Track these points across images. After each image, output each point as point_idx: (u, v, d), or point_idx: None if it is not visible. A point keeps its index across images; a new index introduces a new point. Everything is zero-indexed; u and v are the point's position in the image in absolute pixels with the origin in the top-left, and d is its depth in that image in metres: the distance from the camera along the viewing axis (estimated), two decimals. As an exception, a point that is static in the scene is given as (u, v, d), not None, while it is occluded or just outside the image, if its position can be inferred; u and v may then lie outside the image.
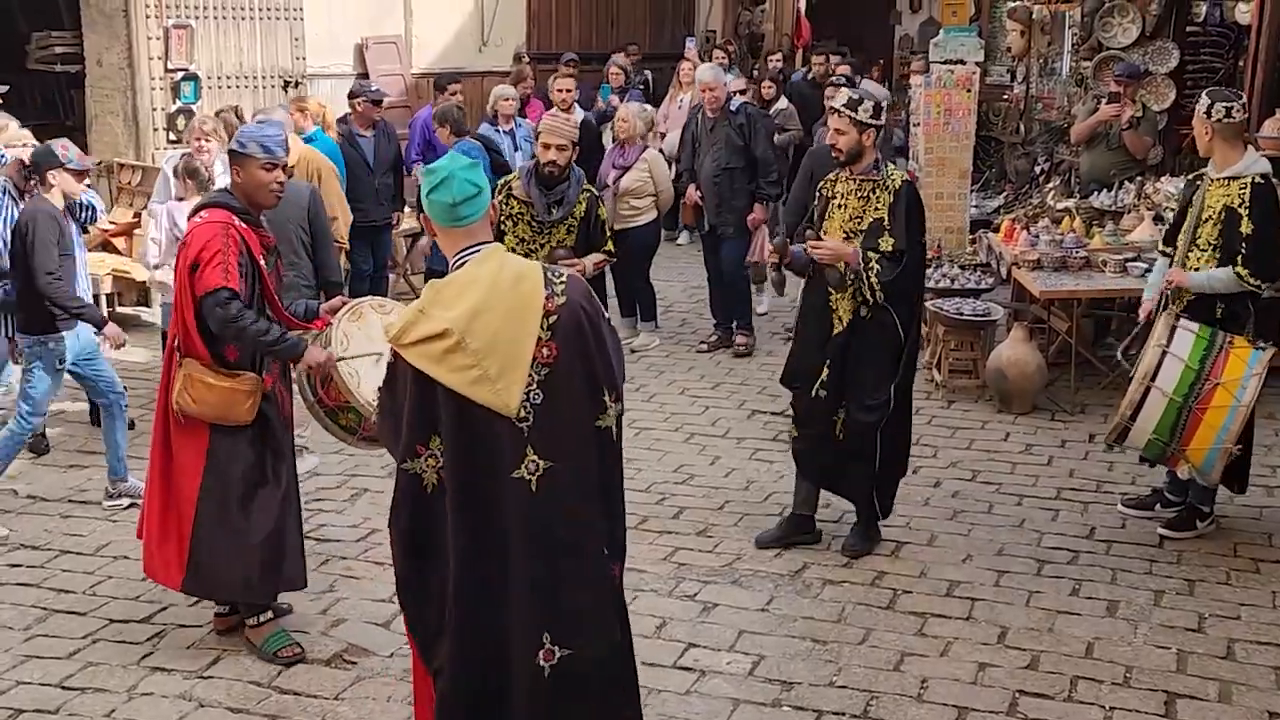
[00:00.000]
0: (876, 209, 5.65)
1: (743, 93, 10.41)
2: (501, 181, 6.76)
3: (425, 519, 3.47)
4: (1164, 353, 5.60)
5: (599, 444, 3.53)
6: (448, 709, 3.54)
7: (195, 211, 4.85)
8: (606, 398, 3.52)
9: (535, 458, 3.42)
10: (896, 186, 5.64)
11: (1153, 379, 5.59)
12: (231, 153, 4.84)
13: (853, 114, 5.59)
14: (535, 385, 3.41)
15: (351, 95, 9.54)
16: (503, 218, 6.53)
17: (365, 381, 4.66)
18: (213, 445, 4.81)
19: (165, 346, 5.02)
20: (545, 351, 3.42)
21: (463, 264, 3.47)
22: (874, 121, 5.62)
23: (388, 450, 3.74)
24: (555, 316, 3.44)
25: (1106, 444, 6.03)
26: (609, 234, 6.92)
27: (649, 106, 10.34)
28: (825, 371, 5.70)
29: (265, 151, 4.79)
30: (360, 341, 4.80)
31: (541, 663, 3.46)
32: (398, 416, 3.46)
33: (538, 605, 3.45)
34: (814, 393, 5.75)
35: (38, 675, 4.80)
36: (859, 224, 5.67)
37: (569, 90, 10.49)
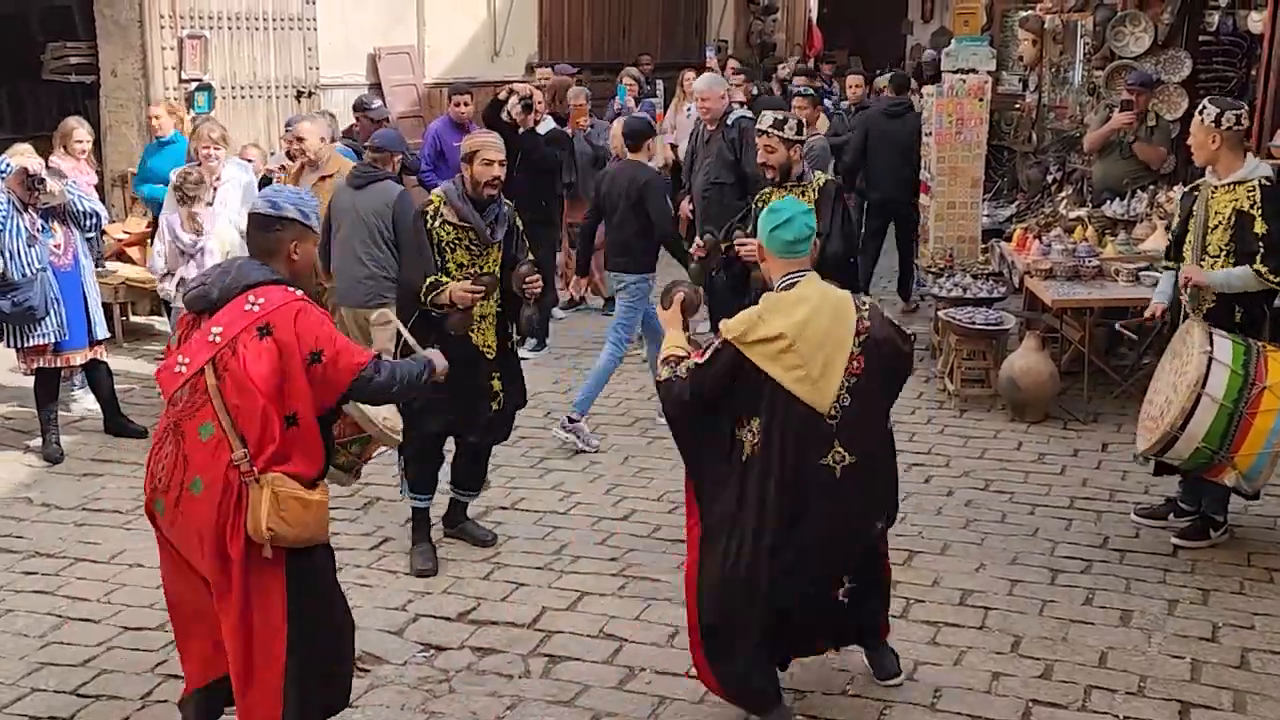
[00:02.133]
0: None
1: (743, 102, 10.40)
2: (428, 209, 5.91)
3: (737, 472, 4.29)
4: (1210, 359, 5.56)
5: (888, 443, 4.45)
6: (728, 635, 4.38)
7: (244, 289, 3.90)
8: (889, 404, 4.46)
9: (841, 450, 4.21)
10: (821, 184, 6.34)
11: (1203, 386, 5.54)
12: (290, 221, 4.00)
13: (780, 133, 6.27)
14: (845, 390, 4.21)
15: (355, 108, 9.56)
16: (439, 245, 5.80)
17: (372, 407, 4.41)
18: (292, 578, 3.91)
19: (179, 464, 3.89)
20: (855, 364, 4.23)
21: (793, 284, 4.30)
22: (799, 138, 6.34)
23: (672, 419, 4.52)
24: (865, 336, 4.26)
25: (1144, 456, 5.94)
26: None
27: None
28: None
29: (273, 208, 4.04)
30: None
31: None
32: (717, 399, 4.26)
33: (820, 563, 4.35)
34: None
35: (53, 682, 4.82)
36: None
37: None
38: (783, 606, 4.34)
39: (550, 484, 6.94)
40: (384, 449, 4.52)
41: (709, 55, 14.68)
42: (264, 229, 3.99)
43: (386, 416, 4.47)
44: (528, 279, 5.93)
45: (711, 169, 8.84)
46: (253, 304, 3.85)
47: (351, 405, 4.21)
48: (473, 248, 5.86)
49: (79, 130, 8.51)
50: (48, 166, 7.62)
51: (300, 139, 7.75)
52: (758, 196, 6.47)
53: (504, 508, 6.58)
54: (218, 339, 3.83)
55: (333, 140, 8.12)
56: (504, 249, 6.00)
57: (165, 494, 3.87)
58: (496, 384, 5.94)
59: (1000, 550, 5.98)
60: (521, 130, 9.22)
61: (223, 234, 7.50)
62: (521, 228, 6.17)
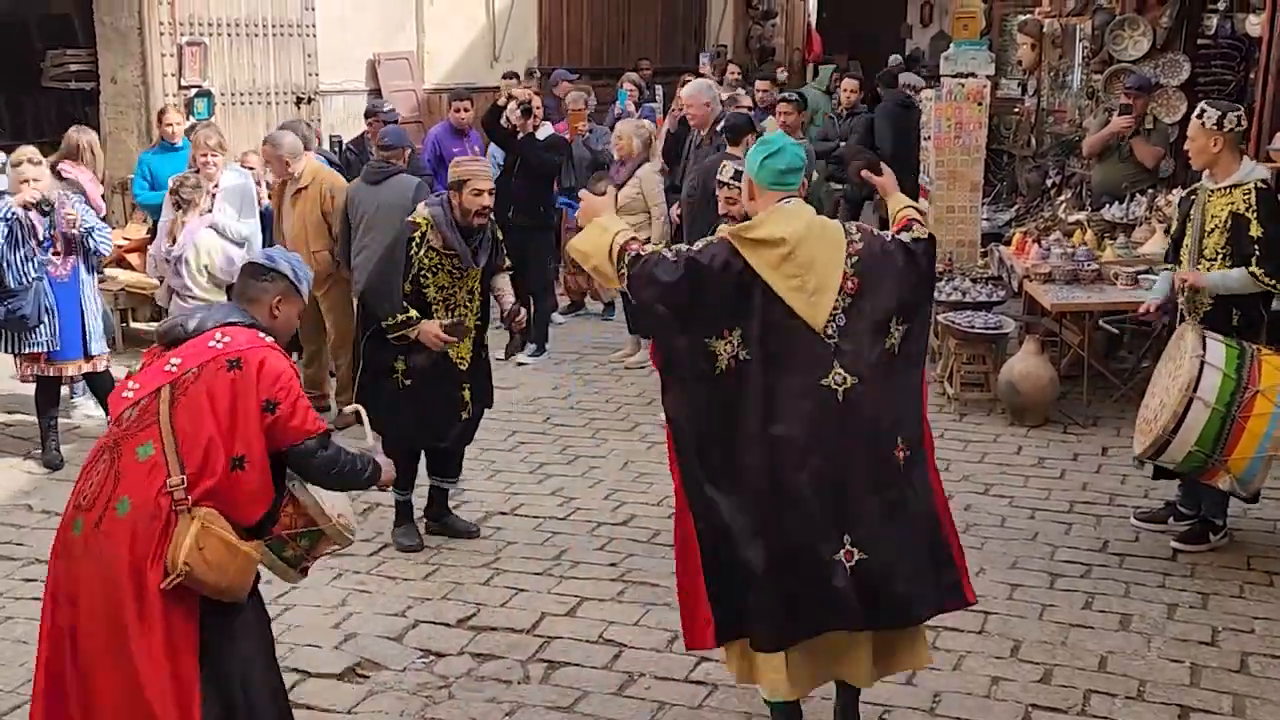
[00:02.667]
0: None
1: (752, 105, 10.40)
2: (415, 234, 5.85)
3: (707, 397, 3.99)
4: (1202, 362, 5.56)
5: (890, 363, 4.09)
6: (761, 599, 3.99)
7: (215, 327, 3.81)
8: (893, 323, 4.09)
9: (841, 371, 3.98)
10: None
11: (1194, 389, 5.54)
12: (281, 276, 3.97)
13: (739, 184, 5.90)
14: (840, 310, 4.01)
15: (367, 115, 9.60)
16: (420, 271, 5.81)
17: (326, 497, 4.01)
18: (207, 634, 3.67)
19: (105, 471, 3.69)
20: (849, 283, 4.03)
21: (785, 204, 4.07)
22: None
23: (646, 308, 4.05)
24: (857, 257, 4.05)
25: (1139, 460, 5.96)
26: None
27: (646, 122, 10.21)
28: None
29: (268, 259, 4.03)
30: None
31: (842, 561, 3.97)
32: (698, 297, 3.94)
33: (831, 507, 3.96)
34: None
35: (52, 689, 4.81)
36: None
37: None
38: (786, 543, 3.97)
39: (549, 489, 6.94)
40: (335, 547, 4.10)
41: (703, 61, 14.66)
42: (254, 276, 3.97)
43: (341, 514, 4.06)
44: (515, 319, 6.20)
45: (703, 175, 8.78)
46: (218, 341, 3.74)
47: (302, 489, 3.91)
48: (454, 271, 5.92)
49: (86, 139, 8.40)
50: (61, 177, 7.67)
51: (285, 163, 7.80)
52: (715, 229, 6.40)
53: (503, 513, 6.58)
54: (174, 369, 3.71)
55: (306, 148, 8.13)
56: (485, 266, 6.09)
57: (87, 512, 3.63)
58: (467, 394, 6.09)
59: (1000, 554, 5.98)
60: (520, 135, 9.23)
61: (206, 242, 7.49)
62: (500, 237, 6.20)
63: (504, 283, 6.34)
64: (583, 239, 4.21)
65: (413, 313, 5.80)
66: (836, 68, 14.96)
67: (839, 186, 10.52)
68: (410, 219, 5.93)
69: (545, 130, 9.54)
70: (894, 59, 16.48)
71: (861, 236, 4.13)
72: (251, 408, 3.67)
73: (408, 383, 5.96)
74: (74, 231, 7.09)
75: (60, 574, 3.72)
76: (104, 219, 7.80)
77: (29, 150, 7.38)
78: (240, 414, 3.66)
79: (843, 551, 3.97)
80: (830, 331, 4.00)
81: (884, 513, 4.02)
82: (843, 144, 10.72)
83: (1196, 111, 5.97)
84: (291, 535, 3.96)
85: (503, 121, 9.18)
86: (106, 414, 7.62)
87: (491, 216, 6.06)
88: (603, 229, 4.15)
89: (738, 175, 5.93)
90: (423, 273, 5.82)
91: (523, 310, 6.27)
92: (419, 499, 6.31)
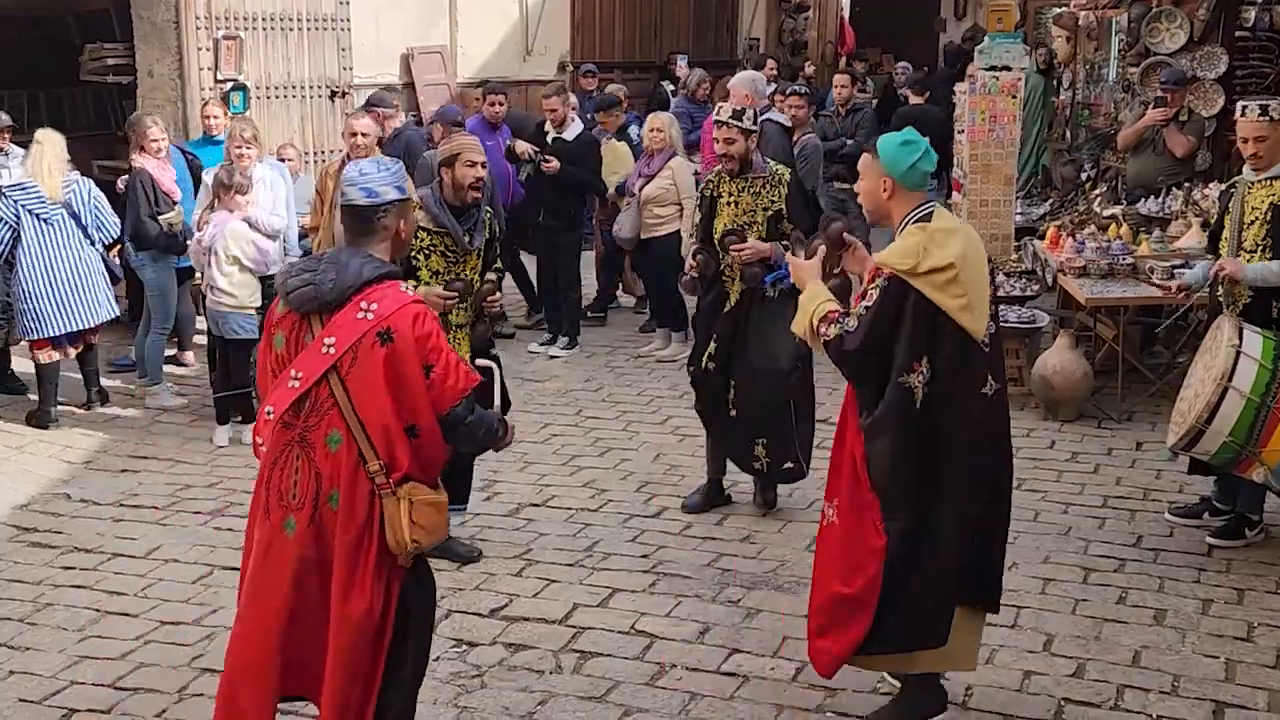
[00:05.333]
0: (773, 201, 6.24)
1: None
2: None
3: (913, 427, 4.15)
4: (1238, 353, 5.52)
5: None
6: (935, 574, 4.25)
7: (355, 291, 3.67)
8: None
9: (991, 379, 4.24)
10: (786, 179, 6.31)
11: (1229, 379, 5.50)
12: (392, 204, 3.78)
13: (740, 123, 6.21)
14: (990, 319, 4.22)
15: (368, 104, 9.30)
16: (413, 253, 5.58)
17: None
18: (406, 591, 3.81)
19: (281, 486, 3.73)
20: (992, 289, 4.29)
21: (926, 215, 4.22)
22: (755, 128, 6.31)
23: (854, 375, 4.30)
24: (992, 265, 4.35)
25: (1173, 451, 5.94)
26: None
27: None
28: (713, 345, 6.30)
29: (369, 195, 3.78)
30: None
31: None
32: (887, 343, 4.13)
33: (976, 500, 4.27)
34: (704, 364, 6.35)
35: (91, 675, 4.89)
36: (751, 217, 6.21)
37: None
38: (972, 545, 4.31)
39: (581, 481, 6.96)
40: None
41: (679, 63, 14.39)
42: (367, 219, 3.75)
43: None
44: (487, 297, 5.90)
45: None
46: (365, 311, 3.63)
47: None
48: (449, 254, 5.71)
49: (153, 129, 8.26)
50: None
51: (362, 134, 7.80)
52: (704, 186, 6.47)
53: (535, 505, 6.61)
54: (331, 350, 3.63)
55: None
56: (483, 256, 5.92)
57: (298, 511, 3.67)
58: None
59: (1033, 549, 5.96)
60: (552, 137, 9.27)
61: (237, 233, 7.48)
62: (500, 234, 6.11)
63: (490, 275, 6.12)
64: (795, 324, 4.46)
65: (410, 282, 5.34)
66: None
67: (843, 186, 10.43)
68: None
69: (574, 130, 9.56)
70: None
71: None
72: (412, 374, 3.64)
73: None
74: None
75: (269, 570, 3.72)
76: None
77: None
78: (404, 384, 3.63)
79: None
80: (986, 340, 4.21)
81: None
82: (849, 141, 10.53)
83: (1257, 110, 5.79)
84: None
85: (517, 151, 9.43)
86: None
87: (490, 210, 5.94)
88: (803, 310, 4.38)
89: (735, 114, 6.21)
90: (414, 254, 5.58)
91: (498, 291, 6.04)
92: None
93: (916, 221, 4.21)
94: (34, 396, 8.06)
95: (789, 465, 6.31)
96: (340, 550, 3.66)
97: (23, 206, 7.59)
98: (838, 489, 4.39)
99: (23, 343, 8.04)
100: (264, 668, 3.73)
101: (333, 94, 11.82)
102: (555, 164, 9.21)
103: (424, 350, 3.64)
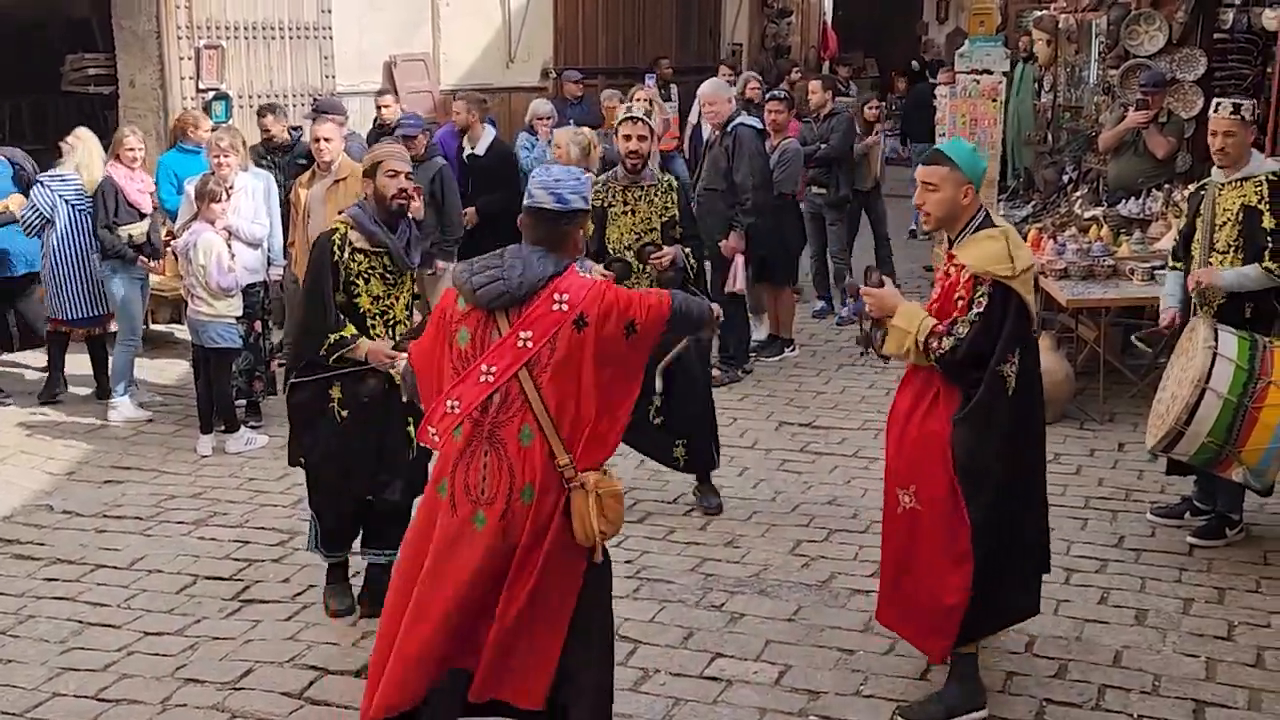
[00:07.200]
0: (666, 208, 6.32)
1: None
2: (334, 237, 5.14)
3: (1006, 412, 4.39)
4: (1214, 354, 5.56)
5: None
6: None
7: (545, 283, 3.78)
8: None
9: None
10: (675, 186, 6.40)
11: (1206, 381, 5.53)
12: (578, 212, 3.89)
13: (648, 121, 6.26)
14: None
15: (320, 110, 9.01)
16: (350, 278, 5.10)
17: None
18: (589, 582, 3.90)
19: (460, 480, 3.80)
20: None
21: (987, 218, 4.48)
22: (657, 131, 6.39)
23: (955, 376, 4.44)
24: None
25: (1153, 452, 5.99)
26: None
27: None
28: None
29: (559, 202, 3.84)
30: None
31: None
32: (991, 343, 4.34)
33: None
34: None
35: (73, 687, 4.87)
36: (648, 224, 6.25)
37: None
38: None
39: (566, 488, 6.95)
40: None
41: (647, 83, 14.39)
42: (554, 223, 3.83)
43: None
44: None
45: (707, 175, 8.78)
46: (559, 303, 3.73)
47: None
48: (388, 276, 5.19)
49: (130, 138, 8.26)
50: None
51: (325, 139, 7.75)
52: (603, 187, 6.34)
53: (520, 511, 6.60)
54: (528, 344, 3.72)
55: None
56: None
57: (489, 506, 3.74)
58: (411, 428, 5.15)
59: (1015, 550, 5.98)
60: (467, 154, 9.41)
61: (209, 243, 7.40)
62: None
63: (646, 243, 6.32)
64: (889, 346, 4.55)
65: (346, 331, 5.05)
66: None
67: (820, 190, 10.42)
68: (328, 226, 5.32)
69: (485, 141, 9.58)
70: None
71: None
72: (613, 343, 3.76)
73: (344, 414, 5.19)
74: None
75: (457, 563, 3.77)
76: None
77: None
78: (611, 356, 3.76)
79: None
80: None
81: None
82: (823, 145, 10.43)
83: (1229, 108, 5.86)
84: None
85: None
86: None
87: (419, 231, 5.62)
88: (904, 331, 4.47)
89: (647, 113, 6.36)
90: (352, 280, 5.09)
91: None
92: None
93: (981, 226, 4.46)
94: (15, 406, 8.31)
95: (706, 456, 6.56)
96: (527, 541, 3.75)
97: (60, 196, 8.14)
98: (913, 476, 4.50)
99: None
100: (436, 654, 3.79)
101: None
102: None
103: (623, 317, 3.76)
